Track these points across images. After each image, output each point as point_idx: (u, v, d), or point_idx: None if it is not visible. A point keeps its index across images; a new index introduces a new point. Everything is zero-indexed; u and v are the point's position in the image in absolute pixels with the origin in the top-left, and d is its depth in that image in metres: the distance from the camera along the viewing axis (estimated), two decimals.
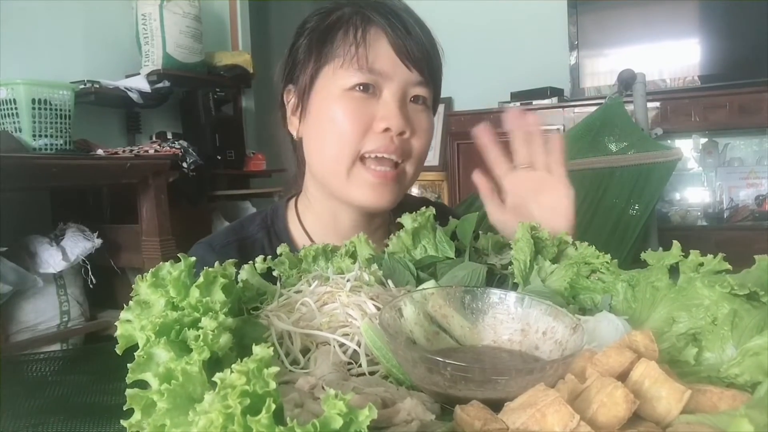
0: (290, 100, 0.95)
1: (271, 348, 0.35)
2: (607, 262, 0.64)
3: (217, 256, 0.94)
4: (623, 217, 1.81)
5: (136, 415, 0.37)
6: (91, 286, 2.55)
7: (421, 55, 0.87)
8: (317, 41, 0.89)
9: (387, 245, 0.75)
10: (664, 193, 2.97)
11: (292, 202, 1.04)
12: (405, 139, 0.88)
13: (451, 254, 0.73)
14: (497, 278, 0.70)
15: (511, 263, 0.68)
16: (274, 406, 0.32)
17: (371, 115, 0.86)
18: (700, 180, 3.27)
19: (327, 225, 0.98)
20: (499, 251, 0.78)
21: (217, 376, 0.34)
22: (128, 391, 0.38)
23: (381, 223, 1.00)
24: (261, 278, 0.66)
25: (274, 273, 0.69)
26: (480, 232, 0.80)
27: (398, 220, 0.75)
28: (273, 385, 0.33)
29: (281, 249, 0.71)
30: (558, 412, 0.36)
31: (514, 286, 0.66)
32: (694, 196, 3.28)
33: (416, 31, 0.88)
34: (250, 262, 0.66)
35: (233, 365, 0.34)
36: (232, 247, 0.97)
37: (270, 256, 0.68)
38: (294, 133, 0.96)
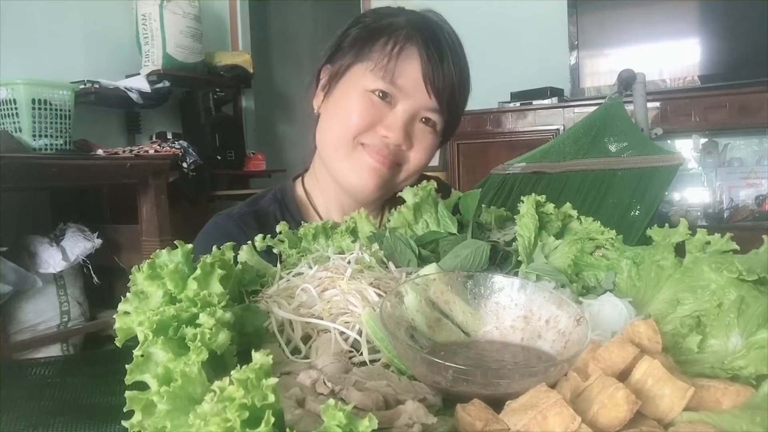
0: (323, 78, 1.03)
1: (271, 356, 0.34)
2: (612, 238, 0.63)
3: (235, 222, 1.01)
4: (625, 219, 1.81)
5: (137, 416, 0.37)
6: (95, 283, 2.54)
7: (445, 87, 0.94)
8: (362, 39, 0.97)
9: (389, 220, 0.74)
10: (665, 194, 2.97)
11: (299, 180, 1.12)
12: (401, 149, 0.95)
13: (454, 229, 0.72)
14: (500, 255, 0.69)
15: (514, 239, 0.67)
16: (273, 420, 0.31)
17: (379, 119, 0.93)
18: (700, 180, 3.26)
19: (331, 200, 1.06)
20: (501, 226, 0.77)
21: (216, 385, 0.33)
22: (128, 393, 0.37)
23: (382, 199, 1.04)
24: (260, 258, 0.65)
25: (274, 251, 0.68)
26: (483, 205, 0.80)
27: (399, 194, 0.76)
28: (272, 397, 0.32)
29: (280, 227, 0.70)
30: (559, 414, 0.36)
31: (518, 264, 0.65)
32: (694, 196, 3.27)
33: (449, 64, 0.94)
34: (248, 242, 0.66)
35: (232, 372, 0.33)
36: (249, 216, 1.04)
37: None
38: (316, 108, 1.04)
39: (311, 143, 1.08)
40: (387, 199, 1.03)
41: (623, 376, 0.41)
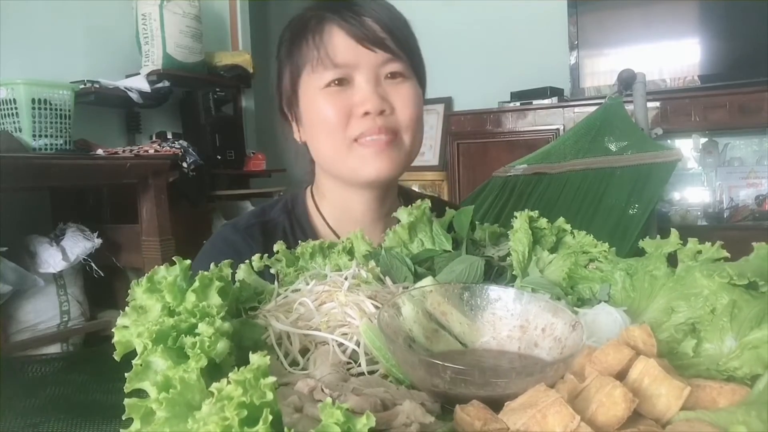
0: (287, 112, 1.04)
1: (268, 357, 0.35)
2: (605, 251, 0.64)
3: (241, 235, 1.00)
4: (623, 217, 1.81)
5: (136, 424, 0.37)
6: (96, 276, 2.54)
7: (382, 33, 0.92)
8: (288, 53, 0.97)
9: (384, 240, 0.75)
10: (664, 192, 2.96)
11: (308, 190, 1.11)
12: (388, 116, 0.93)
13: (448, 247, 0.72)
14: (495, 270, 0.69)
15: (509, 254, 0.68)
16: (271, 417, 0.31)
17: (349, 103, 0.92)
18: (700, 180, 3.26)
19: (341, 211, 1.04)
20: (496, 242, 0.78)
21: (214, 386, 0.33)
22: (127, 401, 0.38)
23: (390, 207, 1.03)
24: (258, 277, 0.66)
25: (272, 271, 0.69)
26: (477, 222, 0.81)
27: (394, 214, 0.77)
28: (270, 395, 0.32)
29: (278, 246, 0.71)
30: (559, 413, 0.36)
31: (513, 278, 0.65)
32: (694, 196, 3.27)
33: (372, 13, 0.92)
34: (246, 261, 0.66)
35: (230, 374, 0.33)
36: (256, 228, 1.02)
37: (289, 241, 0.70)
38: (299, 140, 1.04)
39: (306, 165, 1.09)
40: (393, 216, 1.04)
41: (619, 378, 0.41)
